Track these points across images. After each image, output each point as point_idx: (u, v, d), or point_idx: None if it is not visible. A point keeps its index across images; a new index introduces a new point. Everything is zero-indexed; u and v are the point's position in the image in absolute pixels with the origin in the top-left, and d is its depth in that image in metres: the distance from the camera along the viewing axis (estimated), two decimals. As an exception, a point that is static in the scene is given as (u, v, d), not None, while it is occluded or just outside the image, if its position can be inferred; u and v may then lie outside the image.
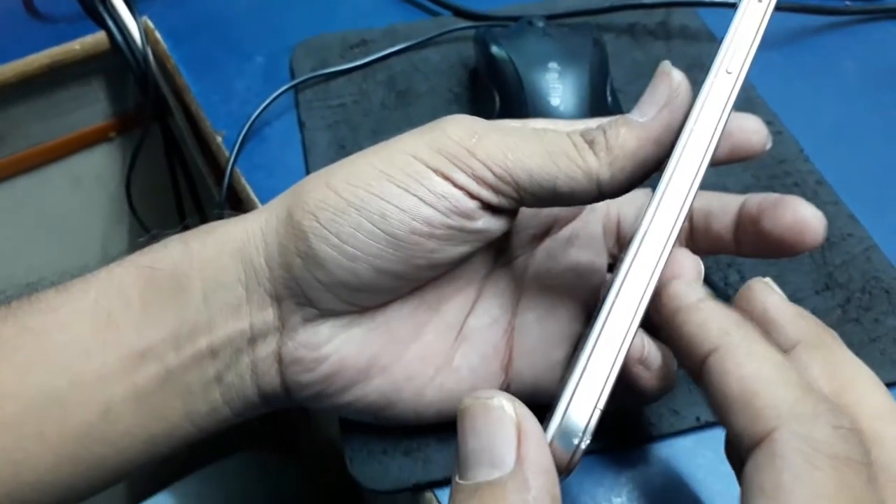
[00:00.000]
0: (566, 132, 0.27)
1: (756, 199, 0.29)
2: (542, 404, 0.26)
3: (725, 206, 0.30)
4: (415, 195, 0.26)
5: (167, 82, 0.55)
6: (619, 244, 0.33)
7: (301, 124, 0.46)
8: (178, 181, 0.68)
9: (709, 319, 0.23)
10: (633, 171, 0.26)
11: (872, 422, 0.21)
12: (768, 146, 0.30)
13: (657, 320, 0.25)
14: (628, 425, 0.33)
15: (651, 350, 0.27)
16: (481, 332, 0.30)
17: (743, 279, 0.37)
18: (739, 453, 0.21)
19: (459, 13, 0.53)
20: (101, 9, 0.54)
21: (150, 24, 0.54)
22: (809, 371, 0.22)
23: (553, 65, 0.40)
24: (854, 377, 0.22)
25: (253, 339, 0.28)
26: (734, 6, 0.26)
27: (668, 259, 0.24)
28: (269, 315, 0.27)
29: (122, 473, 0.28)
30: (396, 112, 0.46)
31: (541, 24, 0.44)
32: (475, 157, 0.26)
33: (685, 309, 0.23)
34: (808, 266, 0.38)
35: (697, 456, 0.32)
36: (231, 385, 0.28)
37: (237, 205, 0.45)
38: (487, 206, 0.27)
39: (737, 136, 0.29)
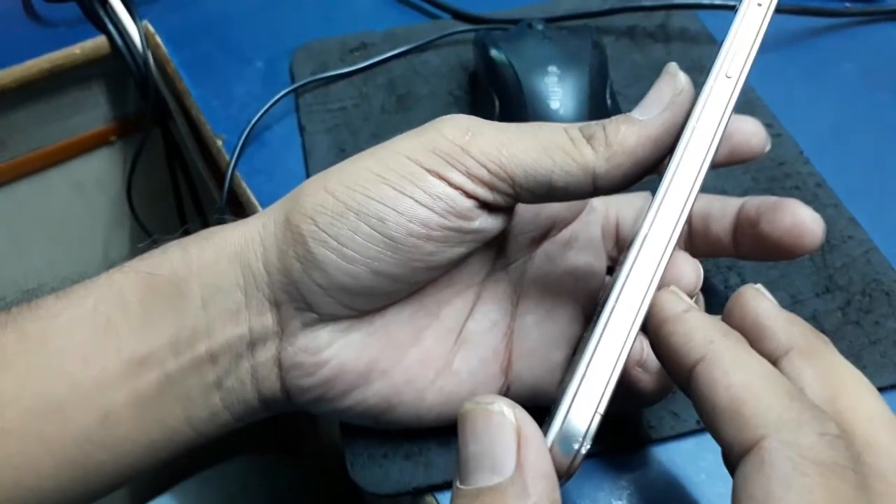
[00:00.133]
0: (563, 127, 0.27)
1: (754, 202, 0.29)
2: (541, 407, 0.26)
3: (724, 209, 0.30)
4: (411, 197, 0.26)
5: (168, 86, 0.55)
6: (618, 247, 0.33)
7: (301, 128, 0.46)
8: (178, 185, 0.68)
9: (695, 329, 0.23)
10: (629, 169, 0.26)
11: (866, 427, 0.21)
12: (767, 148, 0.30)
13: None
14: (628, 428, 0.33)
15: (650, 353, 0.27)
16: (480, 336, 0.30)
17: (743, 282, 0.37)
18: (730, 462, 0.21)
19: (459, 16, 0.53)
20: (101, 13, 0.54)
21: (151, 29, 0.54)
22: (802, 377, 0.22)
23: (552, 68, 0.40)
24: (847, 383, 0.22)
25: (252, 343, 0.28)
26: (734, 9, 0.26)
27: (667, 263, 0.24)
28: (268, 320, 0.27)
29: (123, 479, 0.28)
30: (396, 115, 0.46)
31: (540, 27, 0.44)
32: (469, 155, 0.26)
33: (671, 319, 0.23)
34: (809, 269, 0.37)
35: (698, 459, 0.32)
36: (231, 390, 0.28)
37: (238, 209, 0.45)
38: (484, 205, 0.27)
39: (736, 139, 0.29)
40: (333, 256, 0.26)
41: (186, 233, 0.29)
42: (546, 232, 0.32)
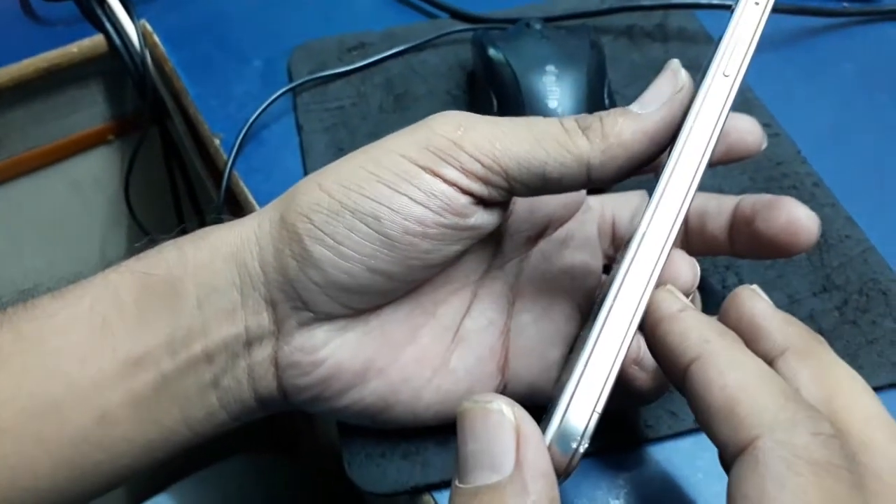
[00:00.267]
0: (558, 119, 0.27)
1: (750, 200, 0.29)
2: (538, 405, 0.26)
3: (720, 207, 0.30)
4: (405, 195, 0.26)
5: (165, 85, 0.55)
6: (615, 245, 0.33)
7: (299, 127, 0.46)
8: (176, 184, 0.68)
9: (690, 329, 0.23)
10: (623, 162, 0.26)
11: (862, 428, 0.21)
12: (763, 146, 0.30)
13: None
14: (626, 427, 0.33)
15: (646, 351, 0.27)
16: (477, 334, 0.30)
17: (741, 282, 0.37)
18: (725, 462, 0.21)
19: (457, 16, 0.53)
20: (99, 12, 0.54)
21: (149, 28, 0.54)
22: (798, 378, 0.22)
23: (550, 67, 0.40)
24: (843, 383, 0.22)
25: (248, 343, 0.28)
26: (731, 8, 0.26)
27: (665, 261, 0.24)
28: (264, 319, 0.27)
29: (120, 479, 0.28)
30: (394, 115, 0.46)
31: (538, 26, 0.44)
32: (462, 150, 0.26)
33: (667, 319, 0.23)
34: (806, 268, 0.38)
35: (695, 458, 0.32)
36: (228, 389, 0.28)
37: (235, 207, 0.45)
38: (479, 201, 0.27)
39: (732, 137, 0.29)
40: (330, 254, 0.26)
41: (183, 232, 0.29)
42: (542, 230, 0.32)
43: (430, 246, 0.27)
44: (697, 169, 0.25)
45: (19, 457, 0.26)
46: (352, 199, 0.26)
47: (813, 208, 0.28)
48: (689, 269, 0.26)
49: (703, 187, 0.25)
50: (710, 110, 0.25)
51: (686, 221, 0.31)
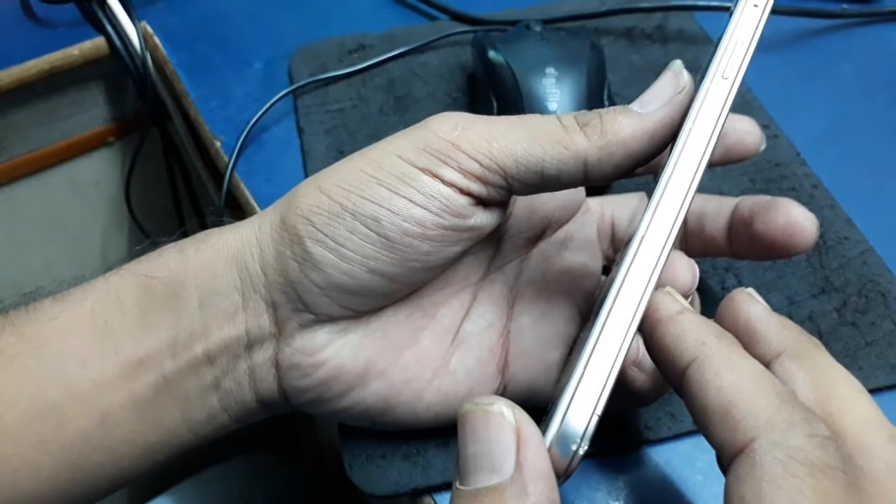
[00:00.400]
0: (556, 116, 0.27)
1: (748, 202, 0.29)
2: (538, 406, 0.26)
3: (719, 209, 0.30)
4: (404, 197, 0.26)
5: (166, 87, 0.55)
6: (614, 247, 0.33)
7: (299, 129, 0.46)
8: (177, 186, 0.68)
9: (687, 331, 0.23)
10: (620, 160, 0.26)
11: (858, 430, 0.21)
12: (762, 147, 0.30)
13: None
14: (626, 429, 0.33)
15: (645, 353, 0.27)
16: (477, 336, 0.30)
17: (740, 283, 0.37)
18: (722, 464, 0.21)
19: (457, 18, 0.53)
20: (100, 14, 0.54)
21: (149, 30, 0.54)
22: (794, 380, 0.22)
23: (550, 69, 0.40)
24: (838, 385, 0.22)
25: (249, 345, 0.28)
26: (730, 10, 0.26)
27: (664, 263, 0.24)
28: (265, 321, 0.28)
29: (121, 481, 0.28)
30: (395, 117, 0.46)
31: (538, 28, 0.44)
32: (460, 150, 0.26)
33: (664, 321, 0.23)
34: (805, 269, 0.38)
35: (695, 460, 0.32)
36: (228, 391, 0.28)
37: (236, 210, 0.45)
38: (478, 201, 0.27)
39: (731, 138, 0.29)
40: (331, 256, 0.26)
41: (184, 235, 0.29)
42: (541, 232, 0.32)
43: (430, 247, 0.27)
44: (696, 171, 0.25)
45: (21, 459, 0.26)
46: (352, 201, 0.26)
47: (812, 210, 0.28)
48: (688, 270, 0.26)
49: (702, 189, 0.25)
50: (709, 112, 0.25)
51: (685, 223, 0.31)
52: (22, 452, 0.26)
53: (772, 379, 0.21)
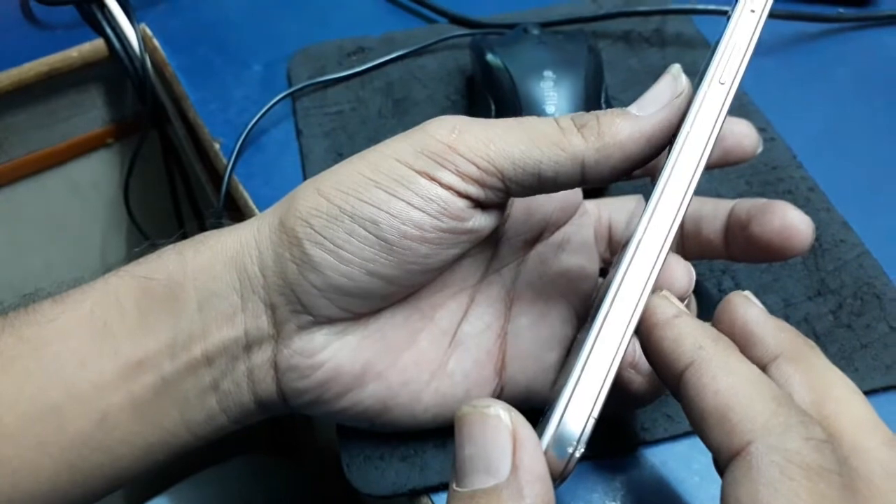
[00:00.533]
0: (553, 118, 0.27)
1: (745, 205, 0.29)
2: (535, 407, 0.26)
3: (716, 212, 0.30)
4: (403, 200, 0.26)
5: (165, 90, 0.56)
6: (611, 249, 0.33)
7: (298, 132, 0.46)
8: (176, 188, 0.68)
9: (684, 335, 0.23)
10: (617, 161, 0.26)
11: (853, 432, 0.21)
12: (759, 150, 0.30)
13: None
14: (622, 431, 0.33)
15: (642, 355, 0.27)
16: (475, 338, 0.30)
17: (737, 286, 0.37)
18: (719, 466, 0.21)
19: (456, 21, 0.53)
20: (99, 16, 0.55)
21: (149, 32, 0.54)
22: (790, 383, 0.23)
23: (548, 73, 0.41)
24: (834, 388, 0.23)
25: (248, 346, 0.28)
26: (728, 14, 0.27)
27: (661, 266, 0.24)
28: (263, 322, 0.28)
29: (121, 481, 0.29)
30: (393, 119, 0.46)
31: (536, 31, 0.44)
32: (457, 153, 0.26)
33: (661, 324, 0.24)
34: (801, 272, 0.38)
35: (691, 461, 0.32)
36: (227, 392, 0.28)
37: (235, 212, 0.45)
38: (476, 204, 0.27)
39: (728, 141, 0.30)
40: (330, 258, 0.26)
41: (184, 236, 0.30)
42: (539, 234, 0.32)
43: (428, 250, 0.27)
44: (693, 174, 0.25)
45: (20, 460, 0.27)
46: (350, 203, 0.26)
47: (808, 213, 0.28)
48: (684, 273, 0.26)
49: (699, 191, 0.25)
50: (706, 116, 0.25)
51: (682, 226, 0.31)
52: (21, 453, 0.27)
53: (768, 382, 0.22)
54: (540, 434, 0.23)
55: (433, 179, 0.26)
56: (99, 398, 0.27)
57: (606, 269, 0.33)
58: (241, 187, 0.44)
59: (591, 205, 0.34)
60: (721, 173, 0.42)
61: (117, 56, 0.55)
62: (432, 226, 0.26)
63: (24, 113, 0.59)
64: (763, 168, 0.42)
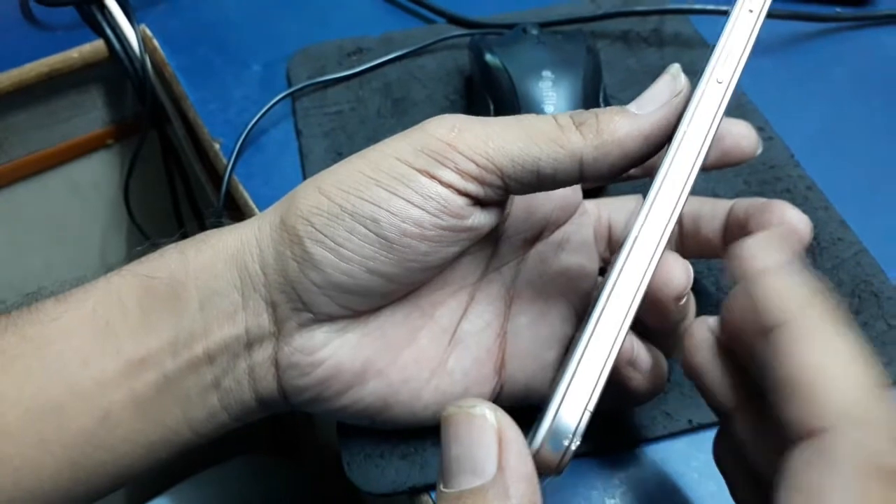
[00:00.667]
0: (552, 115, 0.27)
1: (743, 204, 0.30)
2: (534, 405, 0.26)
3: (715, 211, 0.31)
4: (403, 198, 0.26)
5: (165, 90, 0.56)
6: (610, 248, 0.33)
7: (298, 132, 0.46)
8: (175, 188, 0.68)
9: (787, 290, 0.22)
10: (616, 159, 0.26)
11: None
12: (759, 151, 0.30)
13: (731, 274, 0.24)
14: (621, 428, 0.33)
15: (641, 352, 0.27)
16: (474, 336, 0.30)
17: (735, 283, 0.37)
18: (782, 436, 0.20)
19: (454, 21, 0.53)
20: (99, 17, 0.55)
21: (149, 33, 0.55)
22: None
23: (547, 73, 0.41)
24: None
25: (249, 344, 0.28)
26: (727, 13, 0.27)
27: (657, 263, 0.25)
28: (264, 320, 0.28)
29: (122, 480, 0.29)
30: (392, 119, 0.47)
31: (535, 31, 0.44)
32: (457, 151, 0.26)
33: (766, 272, 0.22)
34: (799, 270, 0.38)
35: (690, 458, 0.32)
36: (228, 390, 0.28)
37: (235, 212, 0.45)
38: (476, 202, 0.27)
39: (727, 142, 0.30)
40: (331, 256, 0.26)
41: (184, 236, 0.30)
42: (539, 233, 0.32)
43: (428, 248, 0.27)
44: (690, 174, 0.25)
45: (23, 458, 0.27)
46: (351, 202, 0.26)
47: (806, 211, 0.29)
48: (682, 271, 0.27)
49: (697, 190, 0.26)
50: (703, 116, 0.26)
51: (681, 225, 0.31)
52: (24, 451, 0.27)
53: (864, 367, 0.20)
54: (536, 427, 0.23)
55: (433, 177, 0.26)
56: (101, 396, 0.27)
57: (605, 268, 0.33)
58: (240, 187, 0.44)
59: (591, 204, 0.34)
60: (719, 172, 0.42)
61: (117, 57, 0.55)
62: (432, 224, 0.26)
63: (24, 113, 0.59)
64: (761, 167, 0.42)
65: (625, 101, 0.27)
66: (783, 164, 0.43)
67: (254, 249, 0.28)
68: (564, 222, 0.33)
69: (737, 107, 0.45)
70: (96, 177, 0.68)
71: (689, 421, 0.33)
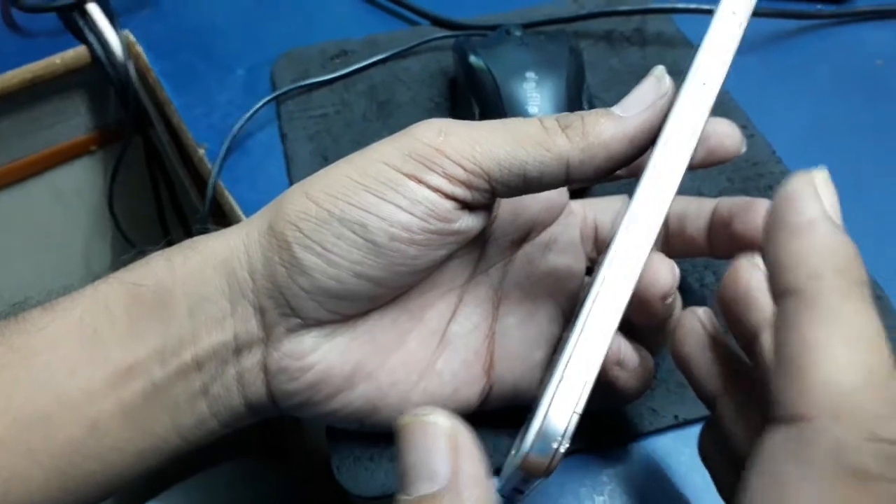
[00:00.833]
0: (538, 118, 0.27)
1: (727, 203, 0.30)
2: (523, 405, 0.26)
3: (699, 211, 0.31)
4: (391, 202, 0.26)
5: (148, 95, 0.55)
6: (597, 249, 0.33)
7: (283, 136, 0.46)
8: (160, 194, 0.68)
9: (806, 251, 0.20)
10: (601, 162, 0.26)
11: None
12: (743, 150, 0.30)
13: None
14: (608, 425, 0.33)
15: (627, 351, 0.28)
16: (463, 338, 0.31)
17: (719, 281, 0.38)
18: (765, 416, 0.19)
19: (438, 23, 0.53)
20: (80, 23, 0.54)
21: (132, 38, 0.54)
22: None
23: (530, 74, 0.41)
24: None
25: (238, 350, 0.28)
26: (710, 12, 0.27)
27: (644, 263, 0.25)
28: (253, 326, 0.28)
29: (112, 488, 0.29)
30: (378, 122, 0.47)
31: (518, 32, 0.44)
32: (444, 155, 0.26)
33: (793, 228, 0.20)
34: (783, 266, 0.38)
35: (677, 453, 0.32)
36: (217, 396, 0.28)
37: (220, 217, 0.45)
38: (464, 205, 0.27)
39: (712, 141, 0.30)
40: (319, 261, 0.26)
41: (170, 243, 0.30)
42: (526, 235, 0.32)
43: (416, 251, 0.27)
44: (675, 175, 0.25)
45: (11, 469, 0.27)
46: (339, 207, 0.26)
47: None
48: (668, 272, 0.27)
49: (682, 189, 0.26)
50: (688, 118, 0.26)
51: (666, 224, 0.32)
52: (12, 462, 0.27)
53: (874, 349, 0.19)
54: (525, 431, 0.23)
55: (421, 182, 0.26)
56: (89, 405, 0.27)
57: (593, 268, 0.33)
58: (226, 192, 0.44)
59: (577, 205, 0.34)
60: (702, 170, 0.42)
61: (100, 62, 0.55)
62: (420, 228, 0.27)
63: (6, 120, 0.59)
64: (744, 164, 0.43)
65: (608, 101, 0.27)
66: (765, 160, 0.43)
67: (242, 255, 0.28)
68: (551, 223, 0.33)
69: (719, 104, 0.45)
70: (80, 183, 0.68)
71: (675, 417, 0.33)
